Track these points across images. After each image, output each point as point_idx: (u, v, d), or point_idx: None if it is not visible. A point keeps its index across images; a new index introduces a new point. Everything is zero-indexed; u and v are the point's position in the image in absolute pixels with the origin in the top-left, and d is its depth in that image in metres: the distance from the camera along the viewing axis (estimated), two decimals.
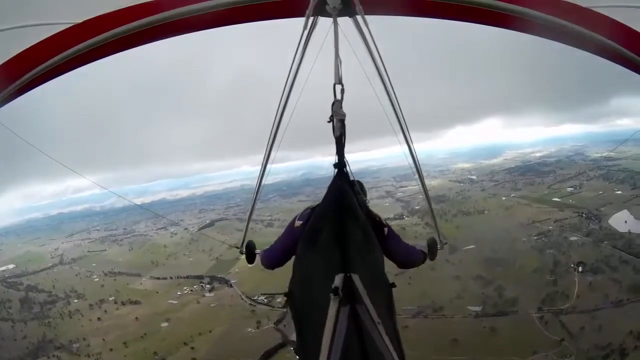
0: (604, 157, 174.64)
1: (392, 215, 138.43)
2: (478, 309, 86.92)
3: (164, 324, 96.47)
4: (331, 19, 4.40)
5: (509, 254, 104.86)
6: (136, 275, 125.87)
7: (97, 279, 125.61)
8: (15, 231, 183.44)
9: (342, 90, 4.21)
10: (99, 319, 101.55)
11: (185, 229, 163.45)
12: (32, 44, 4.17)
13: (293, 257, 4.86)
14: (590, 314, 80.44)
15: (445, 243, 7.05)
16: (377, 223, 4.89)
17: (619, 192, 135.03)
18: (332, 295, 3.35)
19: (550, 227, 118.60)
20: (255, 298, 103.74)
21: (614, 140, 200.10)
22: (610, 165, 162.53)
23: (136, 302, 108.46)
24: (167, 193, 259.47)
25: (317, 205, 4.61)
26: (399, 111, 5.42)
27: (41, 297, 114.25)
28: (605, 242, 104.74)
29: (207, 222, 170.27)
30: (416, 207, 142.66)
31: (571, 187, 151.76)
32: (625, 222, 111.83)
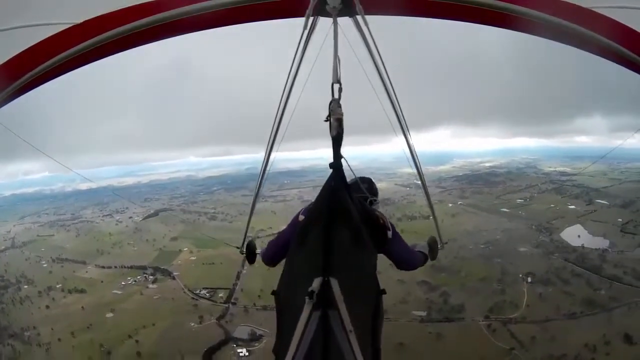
0: (557, 172, 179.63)
1: None
2: (423, 314, 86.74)
3: (109, 315, 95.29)
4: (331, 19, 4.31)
5: (454, 260, 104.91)
6: (82, 262, 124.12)
7: (45, 265, 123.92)
8: None
9: (340, 89, 4.06)
10: (47, 306, 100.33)
11: (130, 217, 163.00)
12: (32, 44, 4.16)
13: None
14: (541, 324, 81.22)
15: (446, 243, 7.39)
16: (379, 224, 4.89)
17: (573, 207, 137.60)
18: (306, 299, 3.21)
19: (498, 237, 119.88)
20: (197, 292, 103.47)
21: (569, 156, 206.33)
22: (564, 180, 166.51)
23: (82, 291, 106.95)
24: (113, 180, 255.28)
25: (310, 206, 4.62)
26: (399, 111, 5.49)
27: None
28: (556, 255, 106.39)
29: (152, 211, 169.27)
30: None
31: (521, 199, 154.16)
32: (579, 236, 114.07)
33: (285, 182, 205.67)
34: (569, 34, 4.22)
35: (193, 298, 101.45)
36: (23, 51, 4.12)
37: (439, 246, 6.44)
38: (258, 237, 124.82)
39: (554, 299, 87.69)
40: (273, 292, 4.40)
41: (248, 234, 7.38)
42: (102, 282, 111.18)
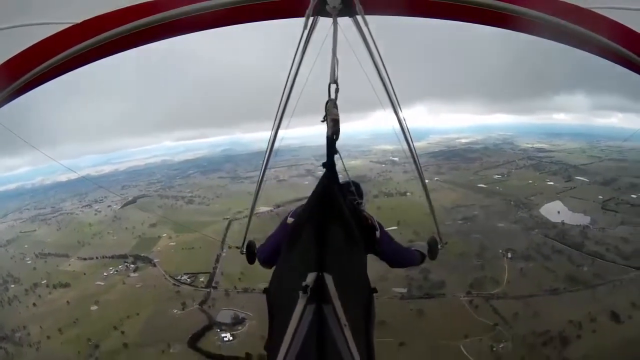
0: (534, 148, 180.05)
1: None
2: (404, 290, 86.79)
3: (94, 307, 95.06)
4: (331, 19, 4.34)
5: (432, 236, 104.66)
6: (64, 256, 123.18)
7: (29, 262, 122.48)
8: None
9: (337, 90, 4.08)
10: (34, 304, 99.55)
11: (109, 206, 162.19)
12: (32, 44, 4.16)
13: None
14: (524, 300, 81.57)
15: (446, 243, 7.39)
16: (368, 225, 4.98)
17: (551, 183, 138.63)
18: (300, 293, 3.33)
19: (476, 212, 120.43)
20: (178, 278, 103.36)
21: (546, 132, 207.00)
22: (542, 156, 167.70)
23: (66, 285, 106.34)
24: (91, 169, 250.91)
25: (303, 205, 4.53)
26: (399, 110, 5.45)
27: None
28: (536, 231, 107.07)
29: (130, 198, 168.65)
30: None
31: (498, 174, 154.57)
32: (558, 212, 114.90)
33: (261, 162, 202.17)
34: (569, 33, 4.29)
35: (174, 284, 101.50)
36: (23, 51, 4.14)
37: (439, 246, 6.49)
38: (235, 219, 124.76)
39: (535, 275, 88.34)
40: (265, 290, 4.41)
41: (248, 236, 7.29)
42: (84, 274, 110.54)
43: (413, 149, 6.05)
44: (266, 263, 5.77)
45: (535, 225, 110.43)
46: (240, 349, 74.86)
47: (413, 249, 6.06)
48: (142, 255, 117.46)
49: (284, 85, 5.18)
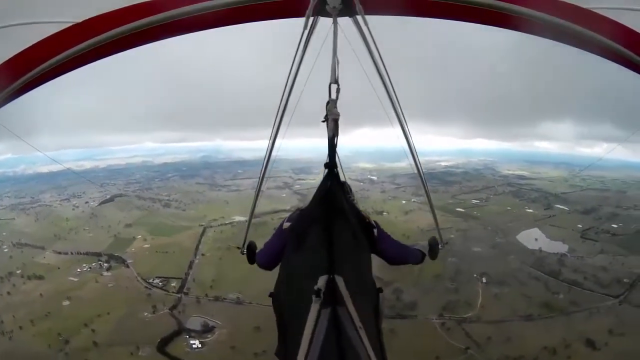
0: (515, 175, 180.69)
1: (288, 207, 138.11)
2: None
3: (66, 303, 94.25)
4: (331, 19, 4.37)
5: None
6: (40, 248, 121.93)
7: (6, 250, 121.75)
8: None
9: (338, 90, 4.14)
10: (8, 293, 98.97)
11: (87, 202, 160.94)
12: (32, 44, 4.15)
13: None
14: (497, 324, 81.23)
15: (446, 243, 7.46)
16: (366, 224, 4.89)
17: (530, 210, 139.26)
18: (313, 297, 3.34)
19: (452, 236, 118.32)
20: (150, 281, 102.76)
21: (528, 160, 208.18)
22: (522, 183, 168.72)
23: (40, 277, 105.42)
24: (72, 163, 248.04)
25: (306, 206, 4.54)
26: (400, 111, 5.49)
27: None
28: (513, 256, 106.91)
29: (108, 197, 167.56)
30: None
31: (477, 199, 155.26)
32: (536, 239, 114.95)
33: (239, 171, 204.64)
34: (569, 34, 4.30)
35: (146, 287, 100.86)
36: (23, 50, 4.13)
37: (439, 246, 6.41)
38: (210, 227, 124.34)
39: (509, 301, 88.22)
40: (270, 295, 4.38)
41: (248, 237, 7.35)
42: (59, 268, 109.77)
43: (415, 154, 6.25)
44: (264, 266, 5.76)
45: (512, 251, 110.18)
46: (209, 357, 74.95)
47: (415, 247, 6.07)
48: (116, 254, 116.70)
49: (284, 85, 5.24)
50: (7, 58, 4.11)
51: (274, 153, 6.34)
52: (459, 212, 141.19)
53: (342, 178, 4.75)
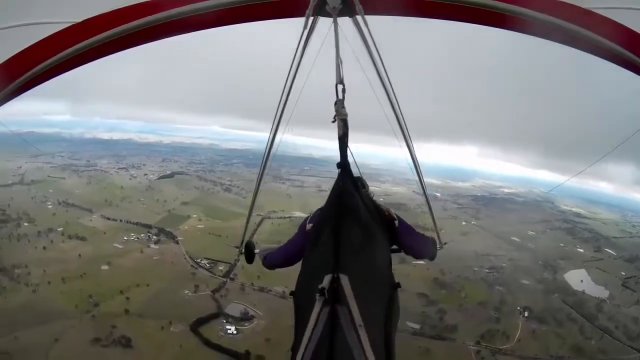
0: (572, 212, 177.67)
1: None
2: (417, 326, 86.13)
3: (104, 267, 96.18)
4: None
5: (457, 279, 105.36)
6: (88, 210, 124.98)
7: (50, 206, 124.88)
8: None
9: (344, 90, 4.15)
10: (44, 247, 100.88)
11: (145, 174, 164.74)
12: (32, 44, 4.14)
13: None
14: None
15: (445, 243, 7.46)
16: (386, 217, 4.97)
17: (581, 250, 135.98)
18: (317, 296, 3.45)
19: (504, 264, 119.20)
20: (198, 261, 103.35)
21: (586, 198, 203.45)
22: (577, 221, 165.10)
23: (82, 239, 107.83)
24: (135, 134, 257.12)
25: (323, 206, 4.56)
26: (399, 112, 5.41)
27: None
28: (557, 295, 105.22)
29: (168, 172, 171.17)
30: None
31: (533, 231, 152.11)
32: (581, 281, 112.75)
33: (306, 168, 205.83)
34: (570, 34, 4.26)
35: (192, 266, 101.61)
36: (23, 50, 4.10)
37: (438, 247, 6.44)
38: (269, 218, 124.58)
39: (545, 339, 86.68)
40: (291, 293, 4.46)
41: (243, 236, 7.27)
42: (104, 233, 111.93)
43: (412, 148, 5.97)
44: (270, 266, 6.02)
45: (557, 289, 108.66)
46: (242, 345, 74.85)
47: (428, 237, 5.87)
48: (167, 230, 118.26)
49: (283, 85, 5.14)
50: (7, 58, 4.07)
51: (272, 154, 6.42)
52: (513, 241, 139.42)
53: (356, 174, 4.73)
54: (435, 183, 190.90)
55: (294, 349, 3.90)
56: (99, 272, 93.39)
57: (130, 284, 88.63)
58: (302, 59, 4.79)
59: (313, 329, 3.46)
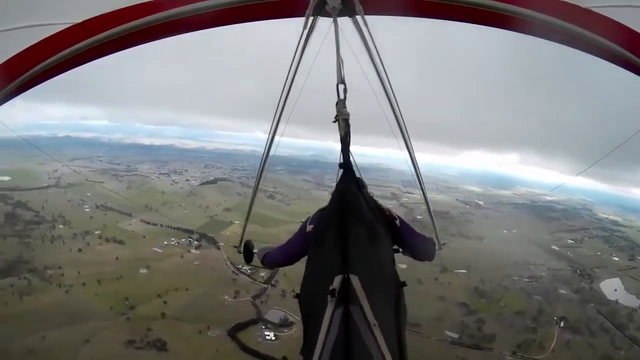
0: (609, 220, 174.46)
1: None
2: (455, 335, 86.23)
3: (143, 271, 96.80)
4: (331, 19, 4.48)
5: (497, 288, 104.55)
6: (127, 214, 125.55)
7: (87, 210, 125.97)
8: (15, 144, 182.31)
9: (345, 90, 4.27)
10: (79, 250, 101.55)
11: (187, 180, 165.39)
12: (32, 44, 4.18)
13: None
14: None
15: (444, 244, 7.22)
16: (387, 217, 4.89)
17: (616, 258, 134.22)
18: (329, 297, 3.42)
19: (543, 274, 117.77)
20: (239, 267, 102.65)
21: (623, 206, 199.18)
22: (614, 229, 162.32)
23: (120, 242, 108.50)
24: (176, 140, 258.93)
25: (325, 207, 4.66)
26: (399, 113, 5.48)
27: (28, 215, 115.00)
28: (592, 304, 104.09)
29: (211, 178, 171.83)
30: (418, 217, 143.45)
31: (572, 239, 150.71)
32: (615, 290, 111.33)
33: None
34: (570, 35, 4.26)
35: (233, 272, 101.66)
36: (23, 50, 4.14)
37: (436, 247, 6.20)
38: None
39: (578, 349, 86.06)
40: (296, 295, 4.51)
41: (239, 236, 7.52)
42: (144, 237, 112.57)
43: (411, 148, 6.00)
44: (272, 264, 6.04)
45: (592, 299, 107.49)
46: (279, 351, 74.84)
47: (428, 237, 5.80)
48: (209, 235, 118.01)
49: (283, 85, 5.21)
50: (7, 58, 4.11)
51: (272, 152, 6.50)
52: (553, 250, 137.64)
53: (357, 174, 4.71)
54: (476, 190, 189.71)
55: (304, 352, 3.98)
56: (137, 276, 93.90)
57: (168, 287, 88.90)
58: (302, 59, 4.91)
59: (328, 330, 3.42)
